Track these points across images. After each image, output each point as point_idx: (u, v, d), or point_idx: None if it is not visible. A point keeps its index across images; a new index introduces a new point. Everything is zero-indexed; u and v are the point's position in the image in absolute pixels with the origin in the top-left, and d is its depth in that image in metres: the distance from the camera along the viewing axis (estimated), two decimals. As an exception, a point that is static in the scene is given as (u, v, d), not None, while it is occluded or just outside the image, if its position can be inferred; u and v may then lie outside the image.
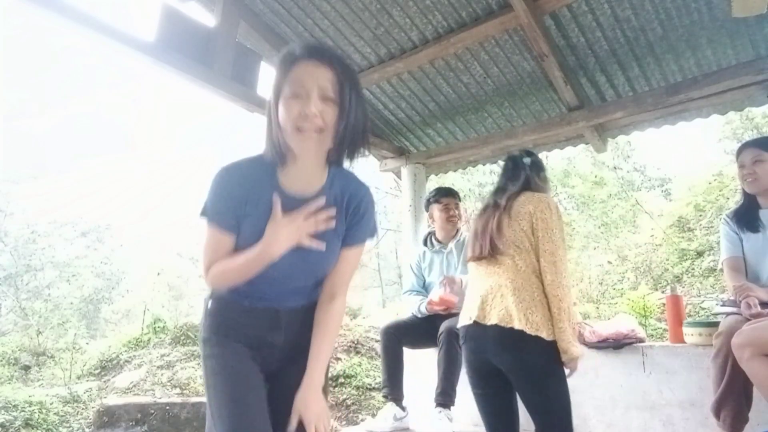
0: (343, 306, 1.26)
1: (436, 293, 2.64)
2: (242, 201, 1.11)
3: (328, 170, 1.16)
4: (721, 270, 2.30)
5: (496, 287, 1.61)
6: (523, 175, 1.78)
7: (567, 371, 1.57)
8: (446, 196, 2.92)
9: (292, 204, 1.11)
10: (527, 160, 1.82)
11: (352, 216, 1.19)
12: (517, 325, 1.51)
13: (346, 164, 1.17)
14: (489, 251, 1.66)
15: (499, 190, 1.81)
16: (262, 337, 1.21)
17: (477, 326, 1.61)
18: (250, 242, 1.10)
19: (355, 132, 1.09)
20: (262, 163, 1.13)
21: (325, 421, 1.16)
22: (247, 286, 1.15)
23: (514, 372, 1.57)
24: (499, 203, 1.73)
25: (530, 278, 1.58)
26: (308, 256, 1.14)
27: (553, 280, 1.54)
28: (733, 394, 1.86)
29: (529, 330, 1.50)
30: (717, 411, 1.90)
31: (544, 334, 1.51)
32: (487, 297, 1.61)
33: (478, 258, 1.71)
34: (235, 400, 1.10)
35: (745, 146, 2.17)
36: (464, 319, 1.70)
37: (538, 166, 1.83)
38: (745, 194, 2.19)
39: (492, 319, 1.56)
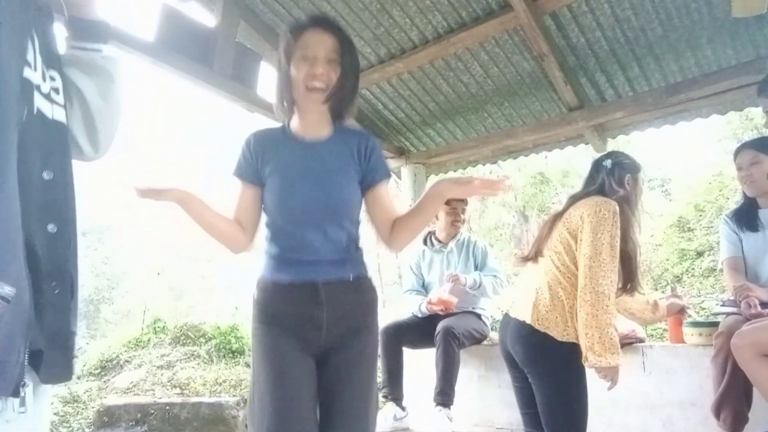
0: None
1: (436, 294, 2.65)
2: (261, 156, 1.27)
3: (333, 123, 1.31)
4: (721, 270, 2.31)
5: (530, 286, 1.66)
6: (599, 179, 1.74)
7: (607, 383, 1.55)
8: (455, 198, 2.90)
9: (305, 150, 1.27)
10: (607, 162, 1.76)
11: (366, 159, 1.29)
12: (529, 319, 1.56)
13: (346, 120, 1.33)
14: (533, 254, 1.72)
15: (572, 196, 1.80)
16: (305, 316, 1.22)
17: (506, 317, 1.72)
18: (279, 192, 1.24)
19: (352, 91, 1.28)
20: (278, 127, 1.34)
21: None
22: (279, 237, 1.25)
23: (524, 364, 1.63)
24: (561, 208, 1.76)
25: (561, 280, 1.59)
26: (324, 187, 1.23)
27: (585, 284, 1.51)
28: (734, 395, 1.86)
29: (539, 326, 1.54)
30: (717, 411, 1.90)
31: (555, 333, 1.53)
32: (521, 294, 1.69)
33: (525, 259, 1.78)
34: (277, 395, 1.15)
35: (742, 148, 2.16)
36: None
37: (620, 168, 1.74)
38: (745, 194, 2.19)
39: (515, 313, 1.65)
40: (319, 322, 1.22)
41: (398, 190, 3.94)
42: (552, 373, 1.56)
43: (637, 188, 1.75)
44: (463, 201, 2.91)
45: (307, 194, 1.22)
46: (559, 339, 1.52)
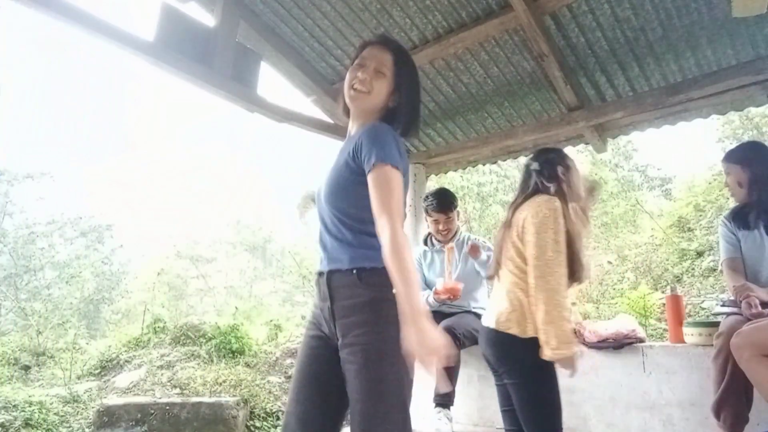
0: (387, 233, 1.11)
1: (441, 282, 2.68)
2: None
3: None
4: (721, 271, 2.31)
5: (495, 296, 1.77)
6: (532, 182, 1.79)
7: (567, 372, 1.58)
8: (437, 210, 2.88)
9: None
10: (534, 165, 1.81)
11: (357, 147, 1.24)
12: (493, 324, 1.66)
13: (402, 138, 1.36)
14: (495, 269, 1.79)
15: (512, 203, 1.83)
16: (320, 310, 1.28)
17: (481, 327, 1.80)
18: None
19: (408, 108, 1.36)
20: None
21: (431, 351, 1.00)
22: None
23: (497, 366, 1.72)
24: (505, 218, 1.81)
25: (518, 281, 1.65)
26: (329, 177, 1.30)
27: (535, 284, 1.57)
28: (734, 395, 1.86)
29: (502, 328, 1.62)
30: (717, 411, 1.90)
31: (517, 332, 1.60)
32: (490, 305, 1.80)
33: (491, 278, 1.86)
34: (291, 391, 1.27)
35: (722, 159, 2.22)
36: None
37: (548, 164, 1.77)
38: None
39: (485, 322, 1.75)
40: (327, 316, 1.24)
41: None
42: (520, 369, 1.62)
43: (573, 174, 1.77)
44: (446, 212, 2.88)
45: (318, 189, 1.35)
46: (522, 336, 1.59)
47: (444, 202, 2.90)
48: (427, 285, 2.93)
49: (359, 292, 1.19)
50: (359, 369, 1.15)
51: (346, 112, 1.41)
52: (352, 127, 1.39)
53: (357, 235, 1.23)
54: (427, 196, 3.01)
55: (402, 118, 1.35)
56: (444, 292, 2.63)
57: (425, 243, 3.03)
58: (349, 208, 1.25)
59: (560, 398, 1.62)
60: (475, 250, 2.66)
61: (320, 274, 1.27)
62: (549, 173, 1.75)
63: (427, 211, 2.95)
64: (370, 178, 1.18)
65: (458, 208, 3.01)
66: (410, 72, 1.37)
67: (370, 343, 1.16)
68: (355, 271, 1.19)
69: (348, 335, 1.18)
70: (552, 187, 1.74)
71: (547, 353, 1.53)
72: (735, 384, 1.86)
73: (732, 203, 2.29)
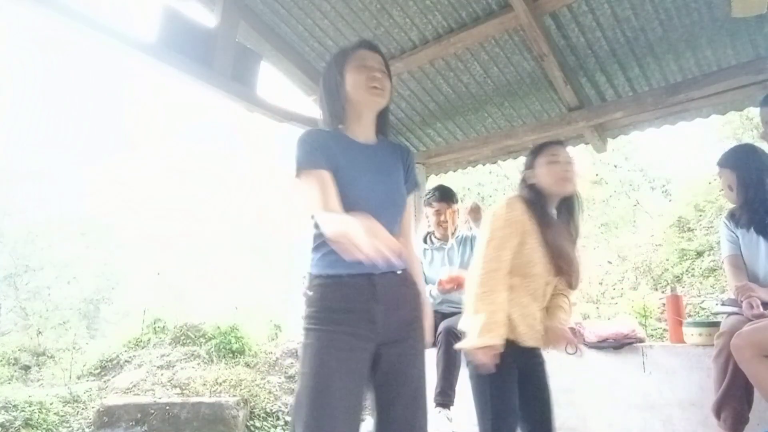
0: (414, 246, 1.40)
1: (446, 271, 2.70)
2: (326, 148, 1.29)
3: (376, 132, 1.43)
4: (722, 269, 2.32)
5: None
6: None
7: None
8: (439, 200, 2.95)
9: (361, 149, 1.36)
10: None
11: (407, 168, 1.43)
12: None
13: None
14: None
15: None
16: (362, 311, 1.25)
17: None
18: (342, 186, 1.25)
19: (388, 109, 1.44)
20: (327, 130, 1.39)
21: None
22: None
23: None
24: None
25: None
26: (388, 186, 1.35)
27: (470, 282, 1.60)
28: (734, 395, 1.86)
29: (462, 334, 1.64)
30: (718, 411, 1.90)
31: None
32: None
33: None
34: (318, 400, 1.17)
35: (716, 164, 2.23)
36: None
37: (524, 167, 1.79)
38: None
39: None
40: (377, 318, 1.25)
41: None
42: (473, 373, 1.64)
43: (538, 167, 1.71)
44: (448, 202, 2.93)
45: (369, 188, 1.31)
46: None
47: (446, 192, 2.98)
48: (428, 282, 2.93)
49: (409, 291, 1.35)
50: (414, 361, 1.30)
51: (338, 116, 1.37)
52: (360, 129, 1.38)
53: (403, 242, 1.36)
54: (428, 191, 3.07)
55: (387, 118, 1.46)
56: (449, 282, 2.63)
57: (424, 241, 3.05)
58: (402, 216, 1.39)
59: (505, 404, 1.58)
60: (476, 211, 2.70)
61: (368, 276, 1.25)
62: (521, 179, 1.78)
63: (429, 203, 2.98)
64: (412, 199, 1.44)
65: (458, 206, 3.02)
66: (390, 78, 1.45)
67: (422, 339, 1.37)
68: (402, 272, 1.33)
69: (405, 334, 1.30)
70: (524, 187, 1.74)
71: (462, 345, 1.57)
72: (736, 384, 1.85)
73: (730, 205, 2.30)
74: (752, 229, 2.07)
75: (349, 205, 1.24)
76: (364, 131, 1.39)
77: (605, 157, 7.39)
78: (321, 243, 1.28)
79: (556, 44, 2.69)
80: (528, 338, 1.61)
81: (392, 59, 3.01)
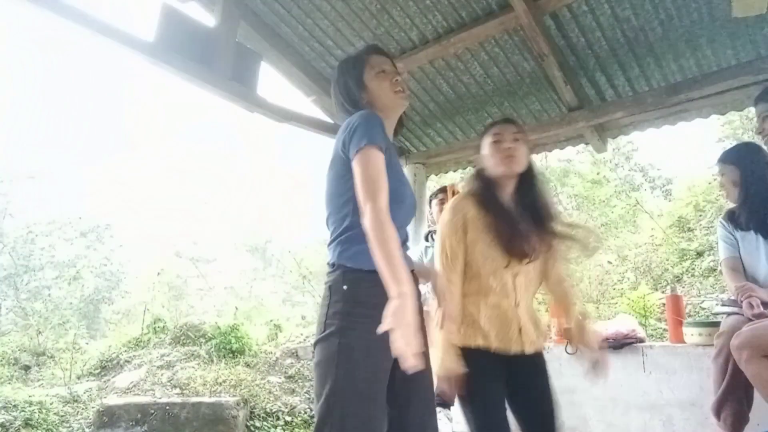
0: (368, 217, 1.10)
1: None
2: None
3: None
4: (721, 271, 2.31)
5: None
6: None
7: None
8: (443, 191, 3.07)
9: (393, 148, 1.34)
10: None
11: (343, 140, 1.25)
12: None
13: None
14: None
15: None
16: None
17: None
18: (397, 189, 1.21)
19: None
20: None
21: (406, 333, 0.96)
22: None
23: None
24: None
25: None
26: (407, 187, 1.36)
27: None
28: (734, 395, 1.86)
29: None
30: (717, 411, 1.90)
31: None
32: None
33: None
34: (369, 408, 1.12)
35: (717, 160, 2.22)
36: None
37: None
38: None
39: None
40: None
41: None
42: None
43: (484, 149, 1.63)
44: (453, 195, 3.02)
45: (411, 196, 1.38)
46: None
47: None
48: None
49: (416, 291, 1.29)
50: (428, 362, 1.29)
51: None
52: (389, 125, 1.39)
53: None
54: (434, 191, 3.22)
55: (403, 118, 1.48)
56: None
57: (426, 239, 3.07)
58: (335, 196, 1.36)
59: (490, 418, 1.45)
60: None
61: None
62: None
63: (435, 196, 3.06)
64: (354, 164, 1.21)
65: None
66: None
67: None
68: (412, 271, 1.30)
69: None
70: (469, 182, 1.67)
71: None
72: (735, 384, 1.85)
73: (729, 205, 2.29)
74: (752, 230, 2.06)
75: (394, 204, 1.16)
76: (389, 132, 1.41)
77: (605, 157, 7.40)
78: (360, 233, 1.14)
79: (556, 44, 2.69)
80: (504, 342, 1.47)
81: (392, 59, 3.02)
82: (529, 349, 1.50)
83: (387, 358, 1.12)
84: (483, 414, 1.45)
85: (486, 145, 1.62)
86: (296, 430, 4.11)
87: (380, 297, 1.04)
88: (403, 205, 1.29)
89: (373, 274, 1.09)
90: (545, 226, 1.54)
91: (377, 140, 1.18)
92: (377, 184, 1.12)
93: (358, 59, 1.43)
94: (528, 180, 1.59)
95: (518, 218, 1.53)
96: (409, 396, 1.23)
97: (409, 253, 1.36)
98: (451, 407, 2.52)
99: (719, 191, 5.87)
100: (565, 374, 2.56)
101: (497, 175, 1.57)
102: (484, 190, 1.58)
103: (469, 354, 1.46)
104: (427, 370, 1.29)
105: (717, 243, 2.27)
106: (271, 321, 6.17)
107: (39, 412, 3.98)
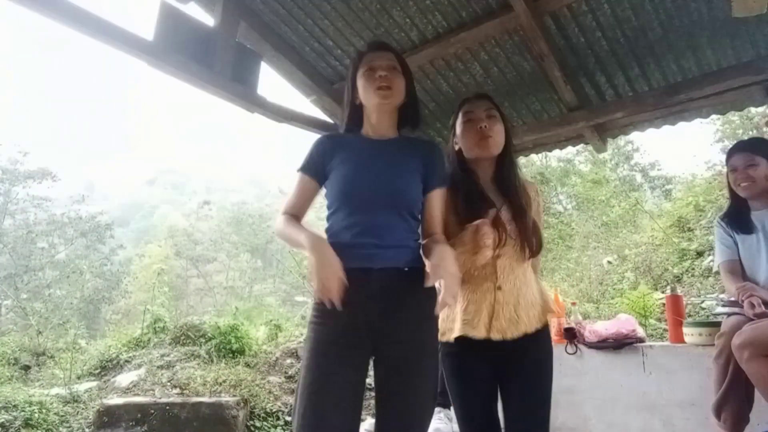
0: (444, 241, 1.31)
1: None
2: (330, 153, 1.37)
3: (399, 130, 1.46)
4: (718, 272, 2.29)
5: None
6: None
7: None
8: None
9: (372, 143, 1.40)
10: None
11: (430, 163, 1.39)
12: None
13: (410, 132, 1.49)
14: None
15: None
16: (355, 306, 1.20)
17: None
18: (343, 179, 1.32)
19: (416, 101, 1.46)
20: (341, 134, 1.48)
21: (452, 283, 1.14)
22: (338, 224, 1.30)
23: None
24: None
25: None
26: (390, 178, 1.33)
27: None
28: (735, 395, 1.86)
29: None
30: (718, 411, 1.90)
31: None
32: None
33: None
34: (312, 400, 1.18)
35: (736, 149, 2.14)
36: None
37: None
38: (734, 197, 2.16)
39: None
40: (369, 312, 1.22)
41: None
42: None
43: (457, 130, 1.54)
44: None
45: (369, 181, 1.31)
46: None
47: None
48: None
49: (414, 288, 1.26)
50: (417, 363, 1.25)
51: (355, 119, 1.44)
52: (374, 126, 1.42)
53: (413, 238, 1.35)
54: None
55: (414, 112, 1.46)
56: None
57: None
58: (411, 212, 1.33)
59: (465, 410, 1.44)
60: None
61: (365, 270, 1.23)
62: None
63: None
64: (438, 195, 1.38)
65: None
66: (407, 68, 1.46)
67: (431, 339, 1.33)
68: (409, 269, 1.29)
69: (402, 333, 1.25)
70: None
71: None
72: (736, 384, 1.85)
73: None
74: (760, 232, 2.04)
75: (347, 199, 1.31)
76: (379, 128, 1.42)
77: (605, 157, 7.40)
78: (327, 238, 1.30)
79: (556, 44, 2.69)
80: (481, 329, 1.37)
81: (392, 59, 3.01)
82: (514, 334, 1.37)
83: (340, 353, 1.20)
84: (460, 407, 1.44)
85: (459, 125, 1.51)
86: (296, 430, 4.10)
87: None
88: (351, 194, 1.31)
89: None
90: (519, 208, 1.43)
91: (301, 164, 1.40)
92: (286, 199, 1.40)
93: (358, 58, 1.46)
94: (502, 162, 1.49)
95: (492, 201, 1.42)
96: (390, 396, 1.23)
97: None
98: (451, 407, 2.52)
99: (719, 192, 5.88)
100: (565, 374, 2.56)
101: (472, 158, 1.48)
102: (457, 172, 1.48)
103: (445, 352, 1.43)
104: (417, 372, 1.24)
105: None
106: (271, 321, 6.18)
107: (39, 412, 3.98)
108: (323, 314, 1.23)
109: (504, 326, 1.38)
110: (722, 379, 1.89)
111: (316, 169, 1.38)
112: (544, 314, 1.46)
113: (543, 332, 1.44)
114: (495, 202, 1.43)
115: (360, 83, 1.40)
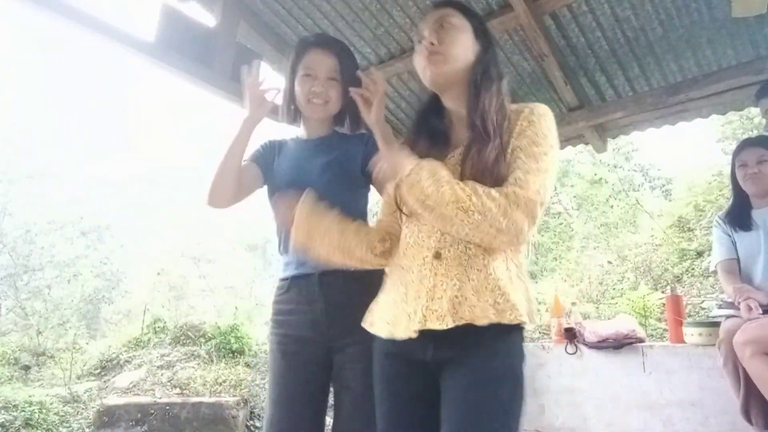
0: None
1: None
2: (275, 152, 1.45)
3: (333, 127, 1.48)
4: (714, 272, 2.29)
5: None
6: None
7: None
8: None
9: (309, 144, 1.44)
10: None
11: (367, 153, 1.37)
12: None
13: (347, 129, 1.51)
14: None
15: None
16: (304, 313, 1.24)
17: None
18: (281, 186, 1.35)
19: (352, 107, 1.41)
20: (291, 134, 1.53)
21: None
22: (281, 233, 1.33)
23: None
24: None
25: None
26: (320, 177, 1.32)
27: None
28: (756, 395, 1.85)
29: None
30: (747, 415, 1.88)
31: None
32: None
33: None
34: (275, 402, 1.24)
35: (747, 145, 2.16)
36: None
37: None
38: (738, 194, 2.18)
39: None
40: (317, 317, 1.22)
41: None
42: None
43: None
44: None
45: (318, 175, 1.33)
46: None
47: None
48: None
49: (362, 288, 1.15)
50: (362, 370, 1.17)
51: (292, 115, 1.48)
52: (308, 129, 1.47)
53: None
54: None
55: (349, 114, 1.46)
56: None
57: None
58: (350, 209, 1.23)
59: (381, 420, 1.03)
60: None
61: (307, 276, 1.25)
62: None
63: None
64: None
65: None
66: (354, 68, 1.41)
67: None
68: (345, 273, 1.21)
69: (350, 338, 1.20)
70: None
71: None
72: (753, 385, 1.84)
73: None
74: (758, 229, 2.04)
75: (284, 189, 1.32)
76: (314, 130, 1.46)
77: (605, 157, 7.40)
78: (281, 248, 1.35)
79: (556, 44, 2.69)
80: (408, 319, 0.95)
81: (392, 59, 3.01)
82: (456, 321, 0.90)
83: (293, 361, 1.23)
84: (379, 417, 1.03)
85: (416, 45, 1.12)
86: (296, 430, 4.11)
87: (281, 302, 1.28)
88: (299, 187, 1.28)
89: (282, 281, 1.31)
90: (471, 145, 1.04)
91: (249, 155, 1.44)
92: None
93: (299, 53, 1.42)
94: (474, 82, 1.07)
95: (453, 140, 1.10)
96: (337, 402, 1.24)
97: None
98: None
99: (719, 192, 5.88)
100: (565, 374, 2.56)
101: (430, 86, 1.11)
102: (424, 112, 1.19)
103: (374, 353, 1.07)
104: (356, 378, 1.18)
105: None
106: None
107: (39, 412, 3.98)
108: (274, 324, 1.30)
109: (444, 309, 0.91)
110: (737, 383, 1.88)
111: (261, 158, 1.44)
112: (516, 313, 0.92)
113: (507, 334, 0.95)
114: (461, 142, 1.06)
115: (297, 87, 1.39)
